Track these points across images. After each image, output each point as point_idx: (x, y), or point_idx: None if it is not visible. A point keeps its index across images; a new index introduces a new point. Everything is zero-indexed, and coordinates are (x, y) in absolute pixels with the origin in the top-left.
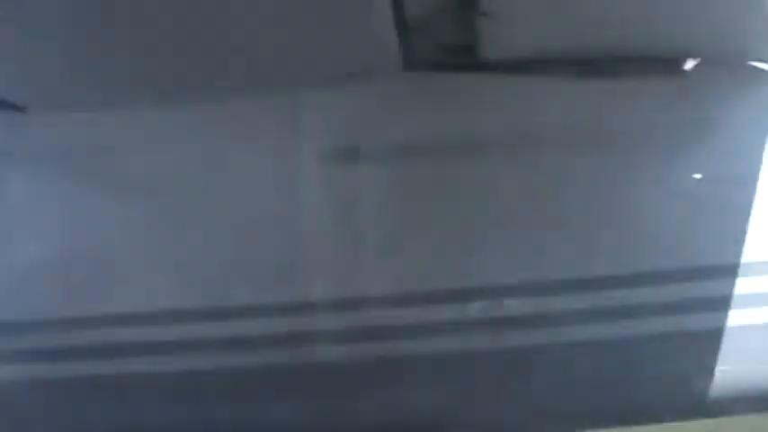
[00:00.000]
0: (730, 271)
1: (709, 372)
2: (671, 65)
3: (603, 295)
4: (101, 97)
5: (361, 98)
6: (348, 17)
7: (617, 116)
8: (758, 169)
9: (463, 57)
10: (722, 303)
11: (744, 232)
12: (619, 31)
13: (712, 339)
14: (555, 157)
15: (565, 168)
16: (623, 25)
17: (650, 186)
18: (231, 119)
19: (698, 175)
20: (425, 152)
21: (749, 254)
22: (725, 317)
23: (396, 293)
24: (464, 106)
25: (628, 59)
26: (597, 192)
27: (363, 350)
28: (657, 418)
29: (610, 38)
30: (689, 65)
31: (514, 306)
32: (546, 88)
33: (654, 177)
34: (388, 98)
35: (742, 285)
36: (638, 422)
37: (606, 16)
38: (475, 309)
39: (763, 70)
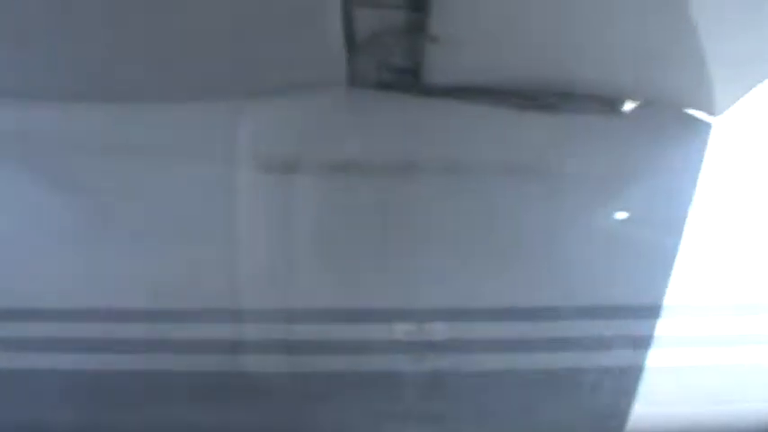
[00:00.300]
0: (648, 311)
1: (623, 411)
2: (610, 105)
3: (522, 326)
4: (41, 91)
5: (303, 112)
6: (297, 29)
7: (553, 151)
8: (684, 214)
9: (408, 79)
10: (639, 343)
11: (665, 274)
12: (561, 67)
13: (628, 378)
14: (488, 186)
15: (496, 198)
16: (566, 62)
17: (578, 222)
18: (171, 124)
19: (623, 215)
20: (362, 170)
21: (668, 295)
22: (642, 357)
23: (325, 309)
24: (404, 128)
25: (569, 96)
26: (525, 223)
27: (287, 363)
28: None
29: (552, 73)
30: (627, 107)
31: (439, 330)
32: (487, 117)
33: (583, 213)
34: (330, 114)
35: (660, 326)
36: None
37: (550, 52)
38: (400, 330)
39: (697, 119)
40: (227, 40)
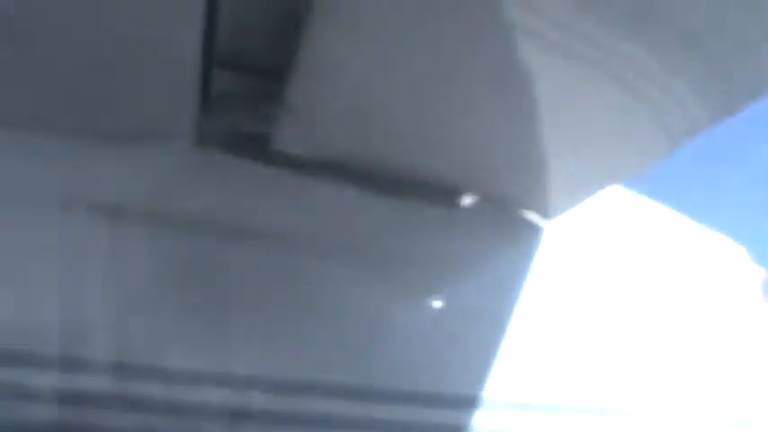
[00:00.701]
0: (459, 402)
1: None
2: (449, 197)
3: (332, 404)
4: None
5: (141, 162)
6: (150, 78)
7: (387, 235)
8: (506, 310)
9: (257, 145)
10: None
11: (485, 365)
12: (410, 152)
13: None
14: (317, 261)
15: (324, 274)
16: (415, 148)
17: (401, 308)
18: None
19: (438, 303)
20: (196, 229)
21: (483, 389)
22: None
23: (134, 364)
24: (241, 193)
25: (412, 183)
26: (349, 305)
27: (81, 416)
28: None
29: (401, 157)
30: (466, 201)
31: (255, 400)
32: (327, 194)
33: (407, 301)
34: (168, 168)
35: (468, 417)
36: None
37: (402, 136)
38: (217, 395)
39: (528, 221)
40: (73, 79)
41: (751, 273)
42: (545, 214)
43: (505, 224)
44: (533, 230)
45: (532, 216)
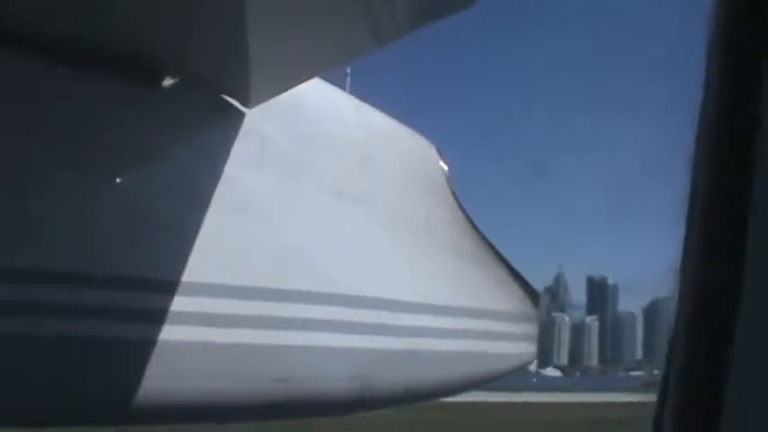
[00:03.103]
0: (156, 284)
1: None
2: (150, 77)
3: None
4: None
5: None
6: None
7: (82, 112)
8: (203, 193)
9: None
10: None
11: (176, 247)
12: (106, 27)
13: None
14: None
15: (10, 150)
16: (111, 23)
17: (93, 187)
18: None
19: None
20: None
21: (175, 270)
22: None
23: None
24: None
25: (111, 59)
26: (35, 182)
27: None
28: None
29: (97, 32)
30: (167, 82)
31: None
32: (17, 65)
33: (98, 180)
34: None
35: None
36: None
37: (96, 10)
38: None
39: (229, 106)
40: None
41: (437, 163)
42: (246, 101)
43: (206, 108)
44: (234, 116)
45: (233, 102)
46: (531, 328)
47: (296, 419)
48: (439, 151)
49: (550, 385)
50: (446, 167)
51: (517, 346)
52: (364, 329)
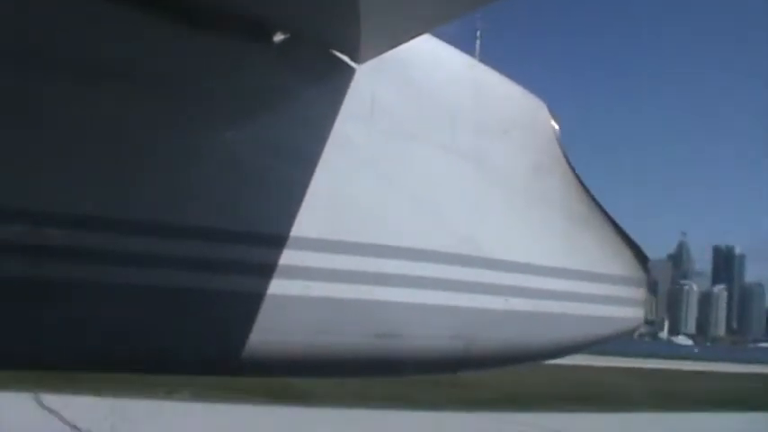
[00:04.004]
0: (267, 239)
1: None
2: (261, 33)
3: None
4: None
5: None
6: None
7: (196, 68)
8: (315, 149)
9: None
10: None
11: (291, 203)
12: None
13: None
14: (122, 92)
15: (130, 105)
16: None
17: (210, 141)
18: None
19: (247, 139)
20: None
21: (292, 226)
22: None
23: None
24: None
25: (223, 16)
26: (152, 135)
27: None
28: None
29: None
30: (278, 37)
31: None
32: (136, 23)
33: (214, 134)
34: None
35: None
36: None
37: None
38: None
39: (340, 62)
40: None
41: (548, 122)
42: (356, 57)
43: (317, 64)
44: (344, 71)
45: (344, 57)
46: (640, 293)
47: (398, 377)
48: (551, 110)
49: (687, 354)
50: (557, 127)
51: (625, 310)
52: (470, 288)
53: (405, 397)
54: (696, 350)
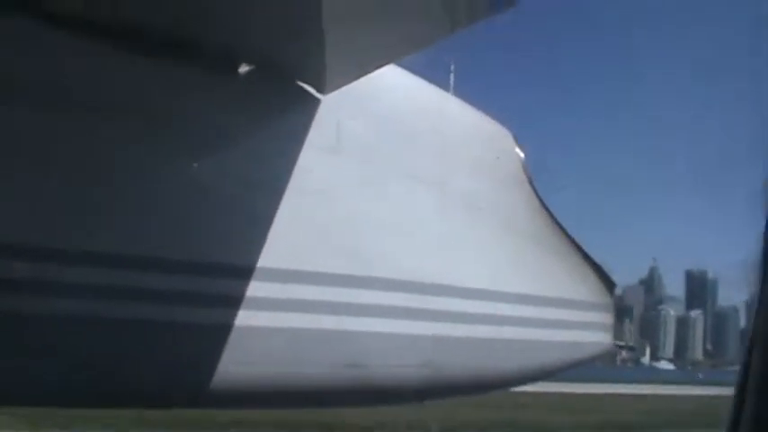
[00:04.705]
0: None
1: None
2: (225, 64)
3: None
4: None
5: None
6: None
7: (159, 98)
8: (279, 179)
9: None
10: None
11: (256, 234)
12: (180, 15)
13: None
14: (84, 121)
15: (92, 134)
16: (186, 11)
17: (172, 173)
18: None
19: (209, 170)
20: None
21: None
22: None
23: None
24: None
25: (187, 46)
26: (115, 165)
27: None
28: None
29: (170, 20)
30: (243, 69)
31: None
32: (96, 53)
33: (177, 165)
34: None
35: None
36: None
37: None
38: None
39: (304, 93)
40: None
41: (514, 150)
42: (321, 87)
43: (282, 95)
44: (310, 102)
45: (308, 88)
46: (607, 318)
47: (366, 406)
48: (515, 138)
49: (672, 378)
50: (522, 154)
51: (593, 335)
52: (436, 317)
53: None
54: (680, 374)
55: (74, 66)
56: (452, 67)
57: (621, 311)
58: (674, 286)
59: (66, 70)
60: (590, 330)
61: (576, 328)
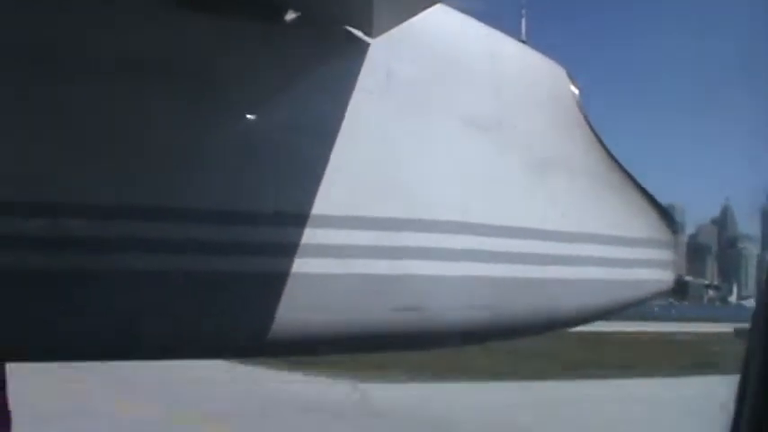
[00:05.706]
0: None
1: None
2: (272, 12)
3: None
4: None
5: None
6: None
7: (207, 50)
8: (331, 126)
9: None
10: None
11: (311, 180)
12: None
13: None
14: (132, 77)
15: (140, 91)
16: None
17: (223, 122)
18: None
19: (260, 119)
20: None
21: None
22: None
23: None
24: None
25: None
26: (163, 118)
27: None
28: None
29: None
30: (289, 16)
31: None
32: (143, 7)
33: (227, 116)
34: None
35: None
36: None
37: None
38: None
39: (352, 37)
40: None
41: (568, 88)
42: (369, 32)
43: (330, 40)
44: (358, 46)
45: (357, 32)
46: (669, 255)
47: (425, 350)
48: (569, 75)
49: None
50: (577, 91)
51: (654, 273)
52: (495, 258)
53: None
54: None
55: (123, 23)
56: (524, 12)
57: (701, 251)
58: (747, 225)
59: (117, 28)
60: (651, 268)
61: (636, 266)
